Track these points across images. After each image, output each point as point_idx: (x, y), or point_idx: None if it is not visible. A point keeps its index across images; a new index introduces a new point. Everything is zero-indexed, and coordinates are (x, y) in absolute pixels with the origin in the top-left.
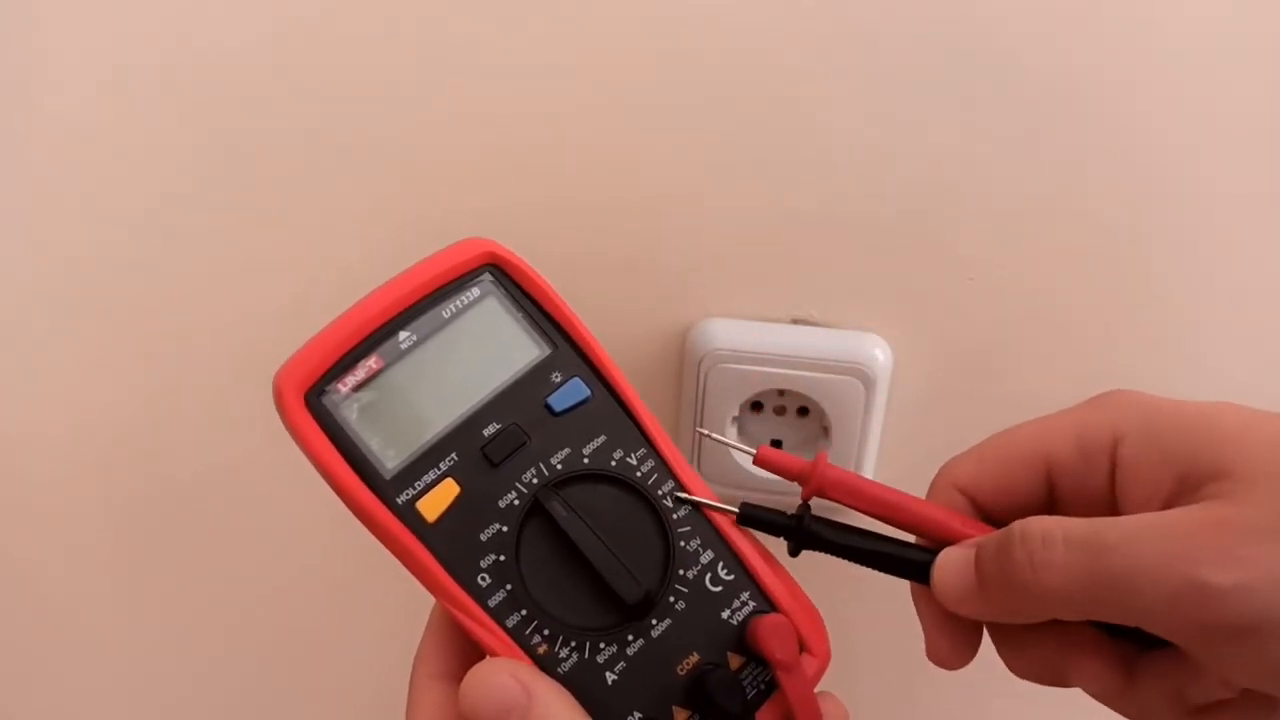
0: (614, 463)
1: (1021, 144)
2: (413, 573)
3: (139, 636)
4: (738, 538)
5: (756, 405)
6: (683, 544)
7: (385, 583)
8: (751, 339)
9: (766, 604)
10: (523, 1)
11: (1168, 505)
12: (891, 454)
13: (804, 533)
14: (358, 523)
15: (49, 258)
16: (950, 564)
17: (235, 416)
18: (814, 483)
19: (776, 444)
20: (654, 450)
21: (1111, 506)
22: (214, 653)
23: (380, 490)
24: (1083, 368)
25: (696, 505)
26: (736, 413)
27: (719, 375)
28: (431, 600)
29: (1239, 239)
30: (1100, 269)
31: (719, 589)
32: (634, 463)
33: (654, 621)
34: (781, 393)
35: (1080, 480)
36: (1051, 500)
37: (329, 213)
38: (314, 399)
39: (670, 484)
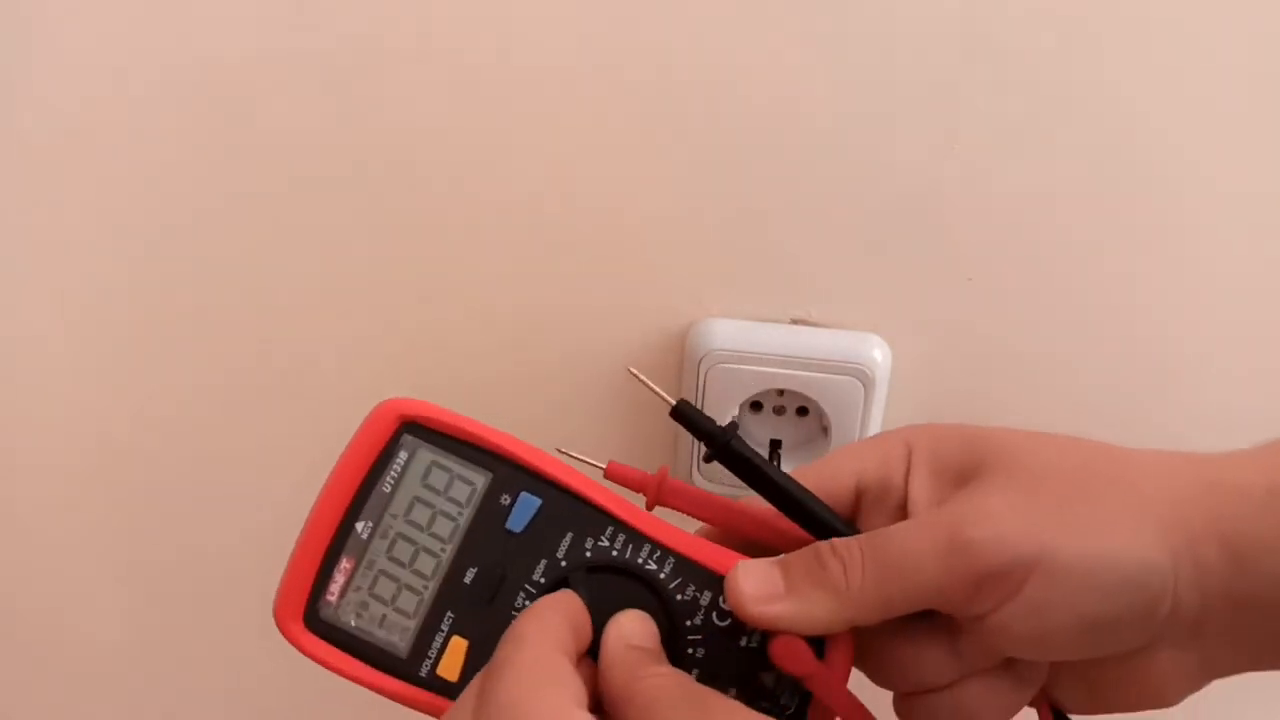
0: (589, 553)
1: (1022, 144)
2: None
3: (152, 652)
4: (724, 562)
5: (756, 405)
6: (679, 596)
7: None
8: (751, 339)
9: None
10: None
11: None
12: None
13: (725, 444)
14: None
15: (58, 270)
16: (750, 571)
17: (249, 427)
18: (654, 494)
19: (776, 444)
20: (619, 523)
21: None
22: (229, 670)
23: (404, 674)
24: (1082, 367)
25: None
26: (736, 413)
27: (719, 375)
28: None
29: (1239, 239)
30: (1100, 269)
31: (726, 622)
32: (606, 543)
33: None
34: (781, 393)
35: (881, 492)
36: (856, 515)
37: (339, 218)
38: (313, 619)
39: (646, 547)
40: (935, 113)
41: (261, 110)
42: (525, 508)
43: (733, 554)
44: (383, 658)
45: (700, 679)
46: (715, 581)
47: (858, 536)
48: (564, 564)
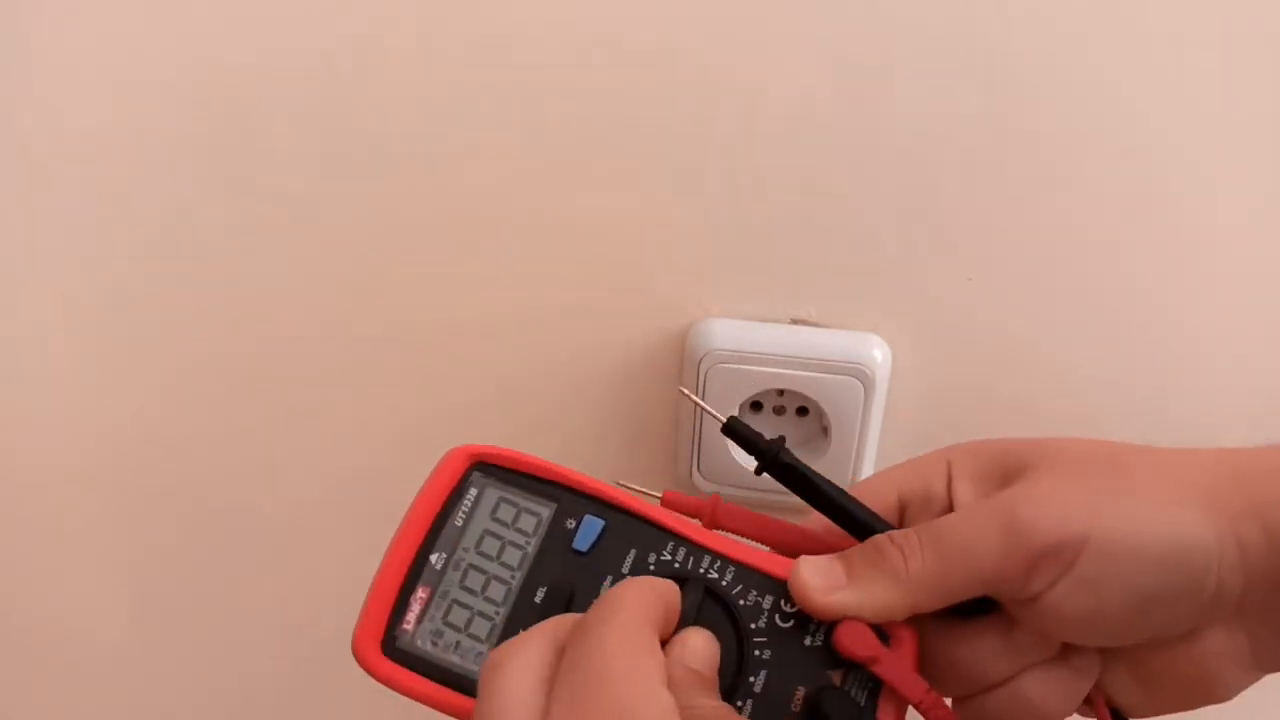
0: (653, 566)
1: (1022, 143)
2: None
3: (152, 652)
4: (783, 567)
5: (756, 405)
6: (742, 601)
7: None
8: (751, 339)
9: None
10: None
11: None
12: (890, 453)
13: (775, 457)
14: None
15: (61, 269)
16: (812, 563)
17: (250, 428)
18: (710, 517)
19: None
20: (679, 538)
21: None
22: (229, 669)
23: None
24: (1081, 367)
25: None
26: (736, 412)
27: (719, 375)
28: None
29: (1242, 238)
30: (1101, 269)
31: (790, 623)
32: (669, 557)
33: (752, 679)
34: (781, 393)
35: (924, 502)
36: (902, 525)
37: (339, 219)
38: (390, 647)
39: (707, 558)
40: (935, 112)
41: (262, 110)
42: (590, 529)
43: (789, 560)
44: (458, 681)
45: (769, 681)
46: (776, 586)
47: (914, 527)
48: (629, 577)
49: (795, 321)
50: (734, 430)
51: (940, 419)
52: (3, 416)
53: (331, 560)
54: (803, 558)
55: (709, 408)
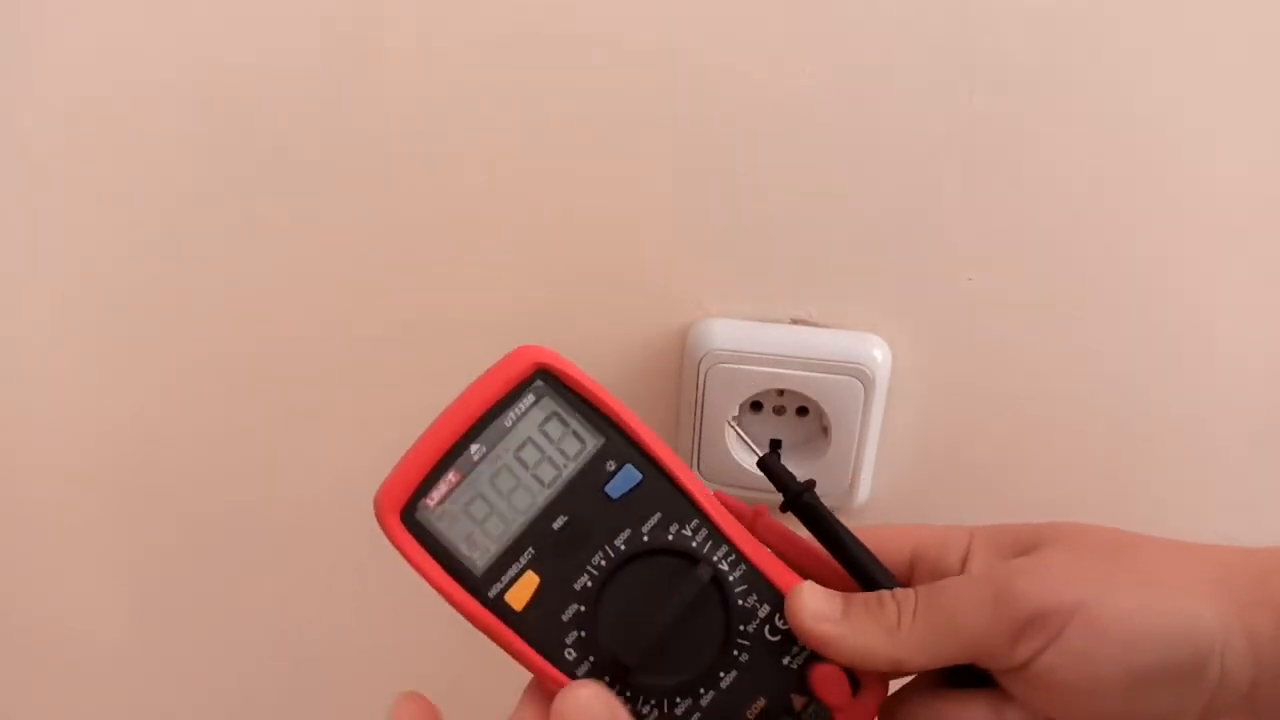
0: (671, 536)
1: (1022, 143)
2: (508, 653)
3: (152, 652)
4: (787, 587)
5: (756, 405)
6: (740, 602)
7: (407, 594)
8: (751, 339)
9: None
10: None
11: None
12: (890, 454)
13: (798, 495)
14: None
15: (61, 270)
16: (814, 589)
17: (250, 428)
18: (749, 523)
19: (776, 444)
20: (706, 519)
21: None
22: (229, 669)
23: (473, 589)
24: (1082, 367)
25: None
26: (736, 413)
27: (719, 375)
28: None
29: (1244, 238)
30: (1101, 269)
31: (777, 638)
32: (689, 533)
33: (721, 674)
34: (781, 393)
35: (935, 564)
36: (908, 581)
37: (339, 219)
38: (409, 516)
39: (724, 547)
40: (935, 112)
41: (261, 109)
42: (626, 478)
43: (800, 578)
44: (459, 569)
45: (734, 683)
46: (777, 598)
47: (917, 588)
48: (645, 539)
49: (795, 321)
50: (768, 467)
51: (940, 419)
52: (3, 417)
53: (332, 560)
54: (808, 582)
55: (749, 440)
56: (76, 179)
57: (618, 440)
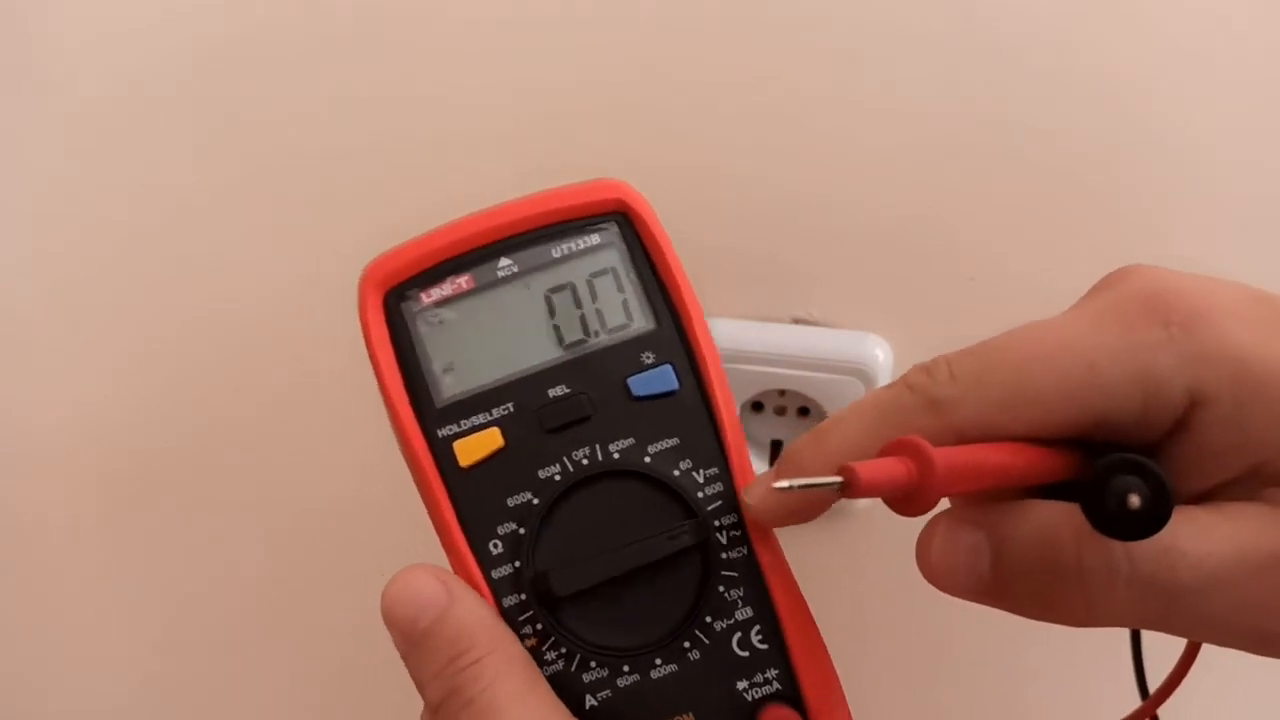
0: (677, 473)
1: (1023, 143)
2: (428, 512)
3: (146, 652)
4: (791, 608)
5: (757, 405)
6: (722, 589)
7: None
8: (751, 339)
9: (792, 690)
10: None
11: (1224, 493)
12: None
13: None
14: (360, 505)
15: (44, 244)
16: (944, 541)
17: (240, 427)
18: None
19: (777, 444)
20: (727, 470)
21: None
22: (224, 669)
23: (424, 416)
24: None
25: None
26: (737, 413)
27: None
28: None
29: (1246, 239)
30: (1102, 269)
31: (745, 654)
32: (700, 480)
33: (658, 661)
34: (782, 393)
35: (1123, 436)
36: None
37: (339, 215)
38: (393, 301)
39: (732, 517)
40: (935, 112)
41: (260, 93)
42: (659, 380)
43: (799, 600)
44: (418, 388)
45: (668, 679)
46: (767, 611)
47: (1130, 567)
48: (647, 459)
49: (796, 321)
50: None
51: None
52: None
53: (331, 561)
54: (932, 524)
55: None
56: (77, 177)
57: (669, 332)
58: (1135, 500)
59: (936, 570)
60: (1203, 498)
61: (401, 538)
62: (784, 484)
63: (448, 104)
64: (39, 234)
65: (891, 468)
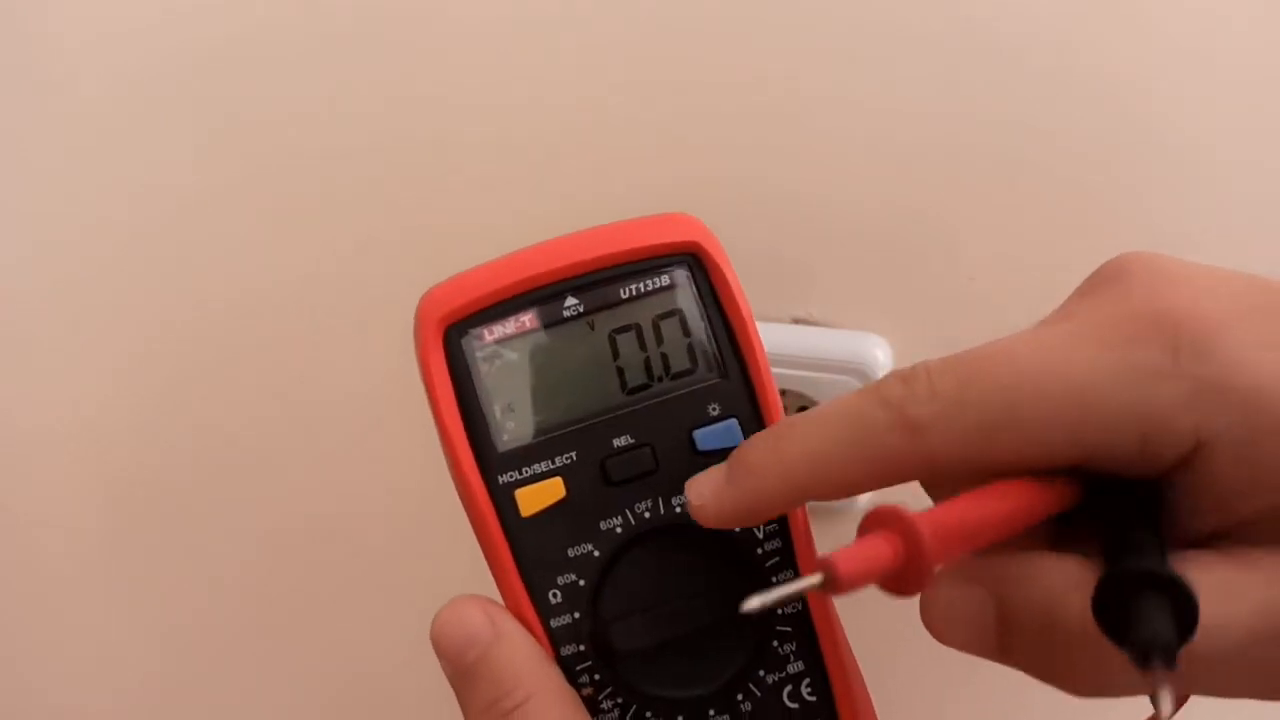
0: (739, 531)
1: (1023, 143)
2: (485, 556)
3: (146, 651)
4: (838, 662)
5: None
6: (776, 643)
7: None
8: None
9: None
10: (524, 4)
11: (1238, 533)
12: None
13: None
14: (367, 507)
15: (45, 244)
16: (947, 600)
17: (241, 427)
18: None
19: None
20: (786, 528)
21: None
22: (202, 655)
23: (484, 461)
24: None
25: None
26: None
27: None
28: None
29: (1249, 239)
30: None
31: (795, 706)
32: (760, 536)
33: (711, 712)
34: (782, 392)
35: (1120, 469)
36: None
37: (340, 211)
38: (454, 336)
39: (790, 573)
40: (935, 112)
41: (261, 93)
42: (725, 434)
43: (849, 657)
44: (478, 428)
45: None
46: (819, 665)
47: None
48: None
49: (795, 321)
50: None
51: None
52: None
53: (332, 560)
54: (940, 584)
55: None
56: (76, 175)
57: (735, 383)
58: (1159, 639)
59: (939, 628)
60: (1212, 536)
61: (403, 537)
62: (755, 603)
63: (448, 104)
64: (39, 234)
65: (876, 551)
